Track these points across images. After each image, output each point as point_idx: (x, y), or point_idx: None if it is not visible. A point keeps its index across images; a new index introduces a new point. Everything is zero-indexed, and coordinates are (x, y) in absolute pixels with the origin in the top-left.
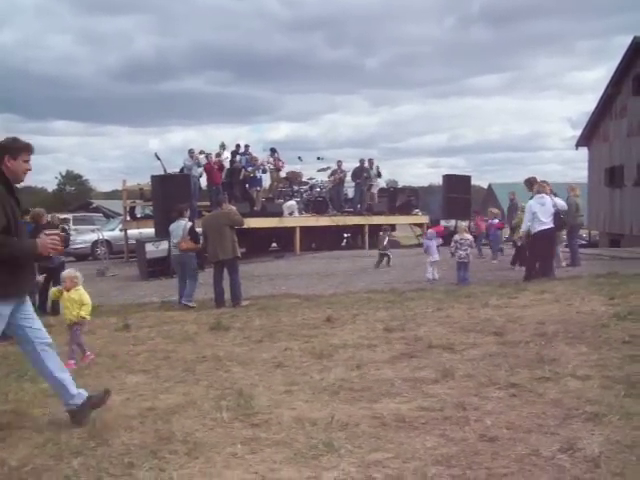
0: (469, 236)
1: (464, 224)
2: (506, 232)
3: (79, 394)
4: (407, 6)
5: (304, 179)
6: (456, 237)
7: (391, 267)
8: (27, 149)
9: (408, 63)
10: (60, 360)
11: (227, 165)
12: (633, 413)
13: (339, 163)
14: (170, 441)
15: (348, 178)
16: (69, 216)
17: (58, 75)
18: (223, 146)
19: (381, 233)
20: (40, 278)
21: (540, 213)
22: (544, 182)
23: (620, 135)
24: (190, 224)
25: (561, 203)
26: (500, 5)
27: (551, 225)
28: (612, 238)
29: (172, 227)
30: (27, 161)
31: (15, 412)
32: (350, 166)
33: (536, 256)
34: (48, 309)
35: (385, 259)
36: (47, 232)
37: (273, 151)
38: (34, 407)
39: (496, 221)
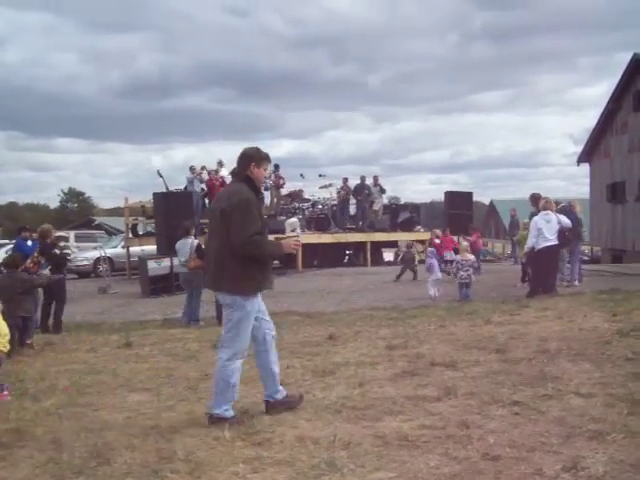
0: (471, 256)
1: (466, 244)
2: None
3: (281, 390)
4: (409, 24)
5: (306, 196)
6: (457, 258)
7: (416, 281)
8: (268, 159)
9: (410, 80)
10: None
11: (228, 182)
12: (637, 431)
13: (345, 180)
14: (172, 460)
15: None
16: (65, 233)
17: (62, 93)
18: (221, 163)
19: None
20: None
21: (545, 230)
22: (548, 199)
23: (621, 151)
24: (197, 242)
25: (565, 221)
26: (502, 22)
27: (556, 242)
28: (614, 254)
29: (178, 245)
30: (266, 169)
31: (16, 431)
32: (353, 183)
33: (540, 273)
34: (50, 328)
35: (412, 273)
36: (290, 236)
37: (276, 167)
38: (35, 426)
39: (437, 241)
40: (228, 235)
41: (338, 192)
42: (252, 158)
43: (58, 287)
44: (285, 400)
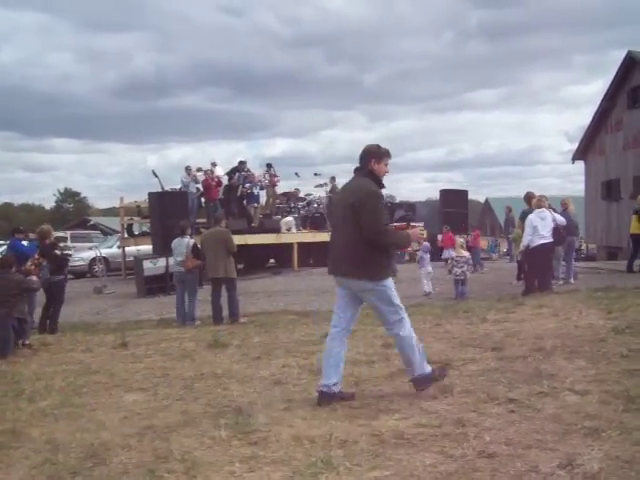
0: (466, 253)
1: (461, 241)
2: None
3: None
4: (404, 22)
5: (301, 195)
6: (453, 254)
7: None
8: (388, 154)
9: (406, 78)
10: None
11: (225, 181)
12: (632, 428)
13: (332, 179)
14: (168, 460)
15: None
16: (63, 233)
17: (57, 93)
18: (214, 163)
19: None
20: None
21: (541, 227)
22: (542, 196)
23: (616, 148)
24: (193, 241)
25: (560, 219)
26: (497, 20)
27: (550, 239)
28: (609, 251)
29: (174, 244)
30: (387, 165)
31: (12, 432)
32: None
33: (535, 270)
34: (48, 328)
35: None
36: (413, 225)
37: (269, 166)
38: (31, 426)
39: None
40: (359, 226)
41: (330, 191)
42: (373, 154)
43: (58, 288)
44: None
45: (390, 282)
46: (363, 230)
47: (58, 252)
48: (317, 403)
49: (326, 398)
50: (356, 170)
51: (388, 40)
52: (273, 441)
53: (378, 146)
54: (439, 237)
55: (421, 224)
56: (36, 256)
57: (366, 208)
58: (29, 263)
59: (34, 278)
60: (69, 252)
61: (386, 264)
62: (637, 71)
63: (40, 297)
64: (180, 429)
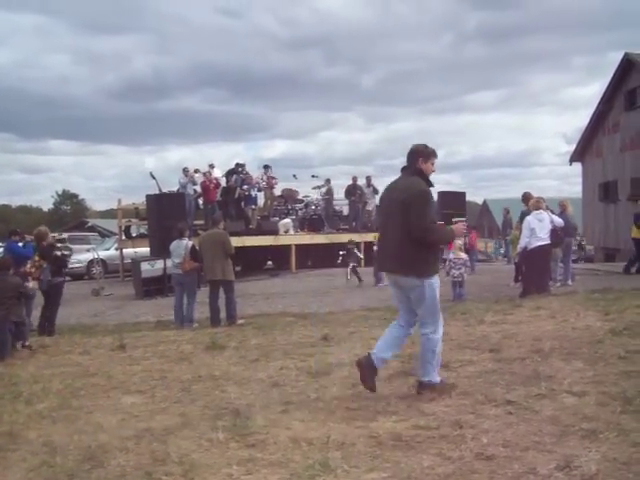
0: (463, 255)
1: (459, 243)
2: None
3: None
4: (403, 24)
5: (299, 197)
6: (450, 256)
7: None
8: (435, 154)
9: (404, 80)
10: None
11: (223, 183)
12: (630, 430)
13: (327, 181)
14: (165, 462)
15: (341, 195)
16: (65, 235)
17: (55, 95)
18: (212, 165)
19: (348, 250)
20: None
21: (538, 229)
22: (540, 198)
23: (613, 150)
24: (191, 244)
25: (558, 220)
26: (496, 22)
27: (548, 241)
28: (607, 253)
29: (172, 246)
30: (433, 164)
31: (9, 434)
32: (346, 183)
33: (533, 272)
34: (46, 330)
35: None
36: (456, 220)
37: (266, 168)
38: (29, 429)
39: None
40: (407, 224)
41: (322, 193)
42: (420, 153)
43: (56, 290)
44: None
45: (436, 280)
46: (411, 227)
47: (58, 253)
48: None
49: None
50: (403, 169)
51: (386, 42)
52: (271, 443)
53: (425, 146)
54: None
55: (463, 219)
56: (36, 258)
57: (415, 206)
58: (29, 265)
59: (30, 284)
60: (68, 253)
61: (433, 261)
62: (634, 73)
63: (38, 299)
64: (178, 431)
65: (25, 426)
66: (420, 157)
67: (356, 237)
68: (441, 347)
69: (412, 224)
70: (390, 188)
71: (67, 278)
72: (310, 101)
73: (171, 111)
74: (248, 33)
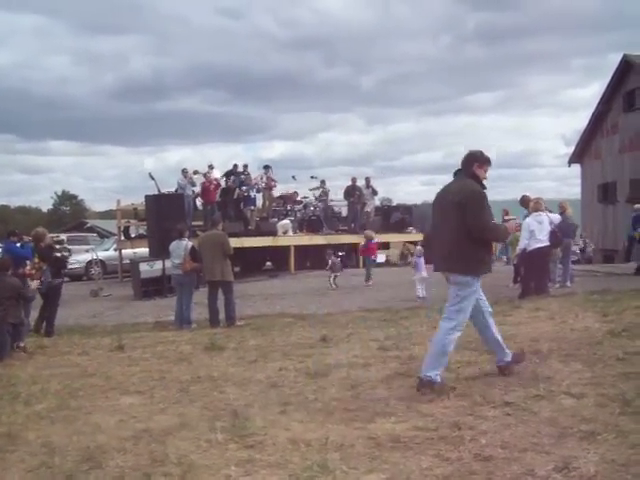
0: None
1: None
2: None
3: (509, 353)
4: (402, 25)
5: (298, 198)
6: None
7: (336, 287)
8: (489, 162)
9: (403, 81)
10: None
11: (222, 184)
12: (628, 431)
13: (322, 183)
14: (164, 463)
15: (340, 197)
16: (64, 236)
17: (54, 95)
18: (211, 166)
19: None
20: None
21: (537, 231)
22: (539, 199)
23: (612, 152)
24: (191, 244)
25: (556, 217)
26: (495, 23)
27: (547, 243)
28: (606, 254)
29: (172, 247)
30: (486, 171)
31: (8, 435)
32: (344, 185)
33: (532, 273)
34: (42, 330)
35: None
36: (508, 218)
37: (267, 168)
38: (27, 430)
39: (375, 241)
40: (463, 224)
41: (320, 195)
42: (477, 159)
43: (55, 291)
44: (513, 359)
45: (478, 282)
46: (470, 227)
47: (58, 254)
48: (500, 373)
49: (505, 370)
50: (457, 172)
51: (386, 43)
52: (269, 444)
53: (482, 152)
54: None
55: (514, 217)
56: (36, 260)
57: (472, 206)
58: (29, 267)
59: (34, 283)
60: (67, 254)
61: (487, 260)
62: (633, 74)
63: (37, 300)
64: (176, 432)
65: (24, 427)
66: (476, 162)
67: (355, 238)
68: (452, 349)
69: (470, 224)
70: (444, 191)
71: (66, 279)
72: (309, 102)
73: (170, 112)
74: (248, 34)
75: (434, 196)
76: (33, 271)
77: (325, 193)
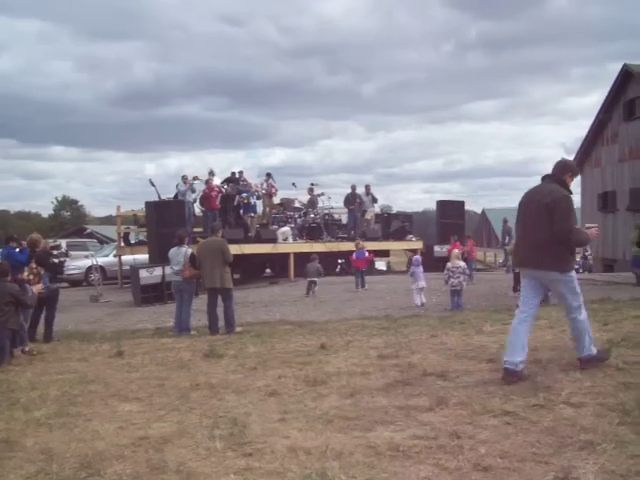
0: (462, 263)
1: (457, 251)
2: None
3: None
4: (404, 33)
5: (298, 205)
6: (449, 265)
7: (316, 296)
8: (578, 173)
9: (405, 89)
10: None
11: (223, 191)
12: (628, 441)
13: (309, 190)
14: (163, 471)
15: (340, 204)
16: (60, 242)
17: (56, 101)
18: (212, 172)
19: (311, 263)
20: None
21: None
22: None
23: (612, 161)
24: (190, 251)
25: None
26: (496, 32)
27: None
28: (606, 263)
29: (171, 253)
30: (572, 180)
31: (6, 441)
32: (344, 192)
33: None
34: (37, 336)
35: (312, 286)
36: (589, 226)
37: (268, 176)
38: (26, 436)
39: (366, 254)
40: (551, 225)
41: (304, 203)
42: (570, 169)
43: (54, 296)
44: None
45: (574, 273)
46: (555, 228)
47: (55, 260)
48: (501, 379)
49: (510, 375)
50: (545, 177)
51: (387, 51)
52: (268, 452)
53: (574, 164)
54: (435, 248)
55: (595, 225)
56: (33, 265)
57: (560, 209)
58: (26, 273)
59: (38, 287)
60: (64, 259)
61: (571, 258)
62: (633, 84)
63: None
64: (175, 440)
65: (22, 433)
66: (569, 172)
67: (353, 246)
68: (589, 323)
69: (556, 227)
70: (533, 192)
71: (63, 284)
72: (310, 109)
73: (172, 118)
74: (249, 41)
75: (522, 198)
76: (31, 277)
77: (313, 201)
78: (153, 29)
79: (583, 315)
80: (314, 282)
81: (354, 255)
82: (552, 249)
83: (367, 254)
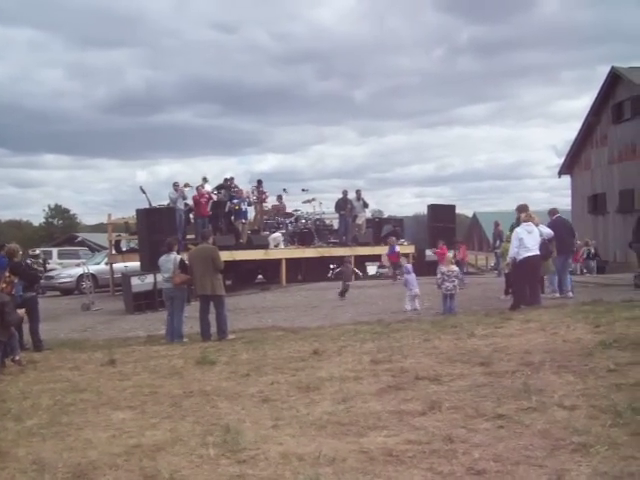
0: (455, 268)
1: (450, 255)
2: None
3: None
4: (395, 38)
5: (289, 211)
6: (443, 269)
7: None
8: None
9: (396, 94)
10: None
11: (214, 197)
12: (621, 443)
13: (278, 198)
14: (156, 479)
15: (331, 209)
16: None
17: (48, 109)
18: (205, 179)
19: (346, 265)
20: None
21: (527, 240)
22: (532, 216)
23: (601, 163)
24: (180, 257)
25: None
26: (487, 36)
27: (537, 252)
28: (597, 265)
29: (161, 261)
30: None
31: None
32: (336, 197)
33: (523, 283)
34: (26, 344)
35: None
36: None
37: (259, 182)
38: (18, 446)
39: (396, 249)
40: None
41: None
42: None
43: (32, 305)
44: None
45: None
46: None
47: (32, 271)
48: None
49: None
50: None
51: (379, 56)
52: (261, 459)
53: None
54: (427, 252)
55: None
56: (7, 274)
57: None
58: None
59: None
60: (40, 269)
61: None
62: (621, 87)
63: None
64: (168, 447)
65: (14, 443)
66: None
67: (347, 251)
68: None
69: None
70: None
71: (56, 293)
72: (302, 115)
73: (163, 125)
74: (241, 48)
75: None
76: (4, 285)
77: (279, 205)
78: (145, 36)
79: None
80: (349, 285)
81: (387, 251)
82: None
83: (397, 249)
